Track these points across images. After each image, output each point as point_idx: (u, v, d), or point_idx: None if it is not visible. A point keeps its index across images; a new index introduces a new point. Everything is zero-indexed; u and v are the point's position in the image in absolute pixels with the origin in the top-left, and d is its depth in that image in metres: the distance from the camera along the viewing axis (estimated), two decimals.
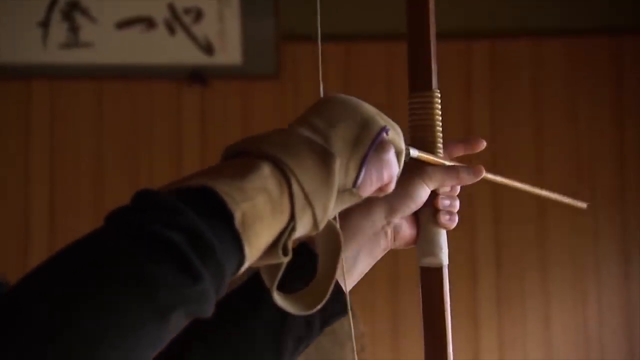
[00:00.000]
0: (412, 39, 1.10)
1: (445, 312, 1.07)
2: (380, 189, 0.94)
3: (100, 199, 3.40)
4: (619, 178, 3.57)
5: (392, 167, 0.94)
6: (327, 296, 0.91)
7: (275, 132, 0.90)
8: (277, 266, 0.87)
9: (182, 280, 0.72)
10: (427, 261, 1.08)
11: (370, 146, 0.91)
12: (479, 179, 1.09)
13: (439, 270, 1.08)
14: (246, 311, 1.06)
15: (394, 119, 0.96)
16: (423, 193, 1.07)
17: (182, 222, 0.75)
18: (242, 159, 0.85)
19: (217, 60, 3.49)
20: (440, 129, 1.10)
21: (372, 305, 3.45)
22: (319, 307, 0.91)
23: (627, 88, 3.61)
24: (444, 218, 1.09)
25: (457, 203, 1.11)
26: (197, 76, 3.48)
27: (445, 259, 1.08)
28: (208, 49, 3.51)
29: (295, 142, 0.88)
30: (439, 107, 1.11)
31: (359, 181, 0.90)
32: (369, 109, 0.94)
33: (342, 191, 0.89)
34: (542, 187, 1.14)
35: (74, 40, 3.48)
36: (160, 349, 0.73)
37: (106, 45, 3.49)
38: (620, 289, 3.55)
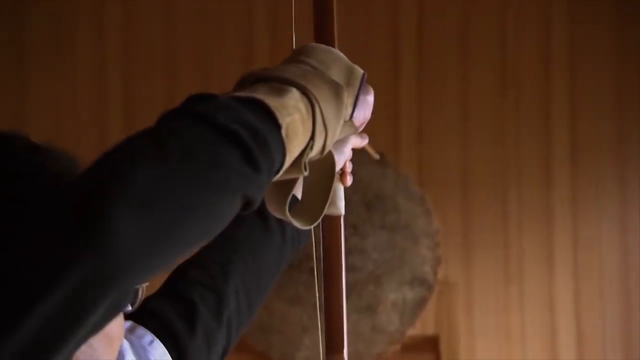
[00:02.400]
0: None
1: (341, 247, 1.23)
2: (360, 126, 1.06)
3: (173, 96, 3.46)
4: None
5: (371, 108, 1.08)
6: (324, 212, 1.04)
7: (287, 65, 0.98)
8: (290, 183, 0.98)
9: (246, 169, 0.81)
10: (329, 211, 1.18)
11: (360, 86, 1.01)
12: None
13: (338, 217, 1.22)
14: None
15: None
16: (349, 151, 1.17)
17: (244, 119, 0.82)
18: (269, 83, 0.92)
19: None
20: None
21: (444, 204, 3.47)
22: (317, 222, 1.04)
23: None
24: (350, 178, 1.21)
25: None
26: None
27: (343, 210, 1.22)
28: None
29: (310, 74, 0.96)
30: None
31: (355, 114, 1.01)
32: (345, 57, 1.04)
33: (344, 122, 0.99)
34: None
35: None
36: (227, 224, 0.82)
37: None
38: None
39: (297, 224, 1.03)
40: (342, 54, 1.03)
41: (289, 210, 1.02)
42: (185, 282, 1.25)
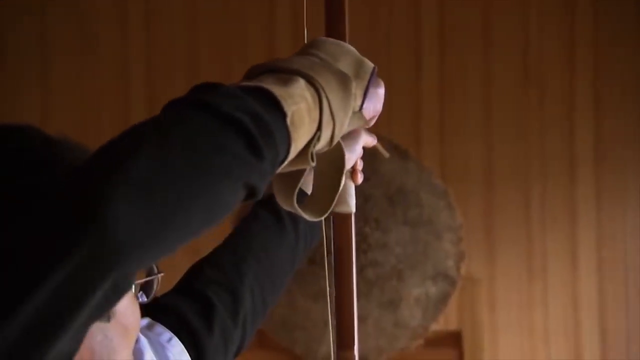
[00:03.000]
0: None
1: (352, 246, 1.24)
2: (371, 119, 1.06)
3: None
4: None
5: (382, 101, 1.07)
6: (334, 205, 1.04)
7: (296, 57, 0.99)
8: (297, 175, 0.99)
9: (249, 157, 0.81)
10: (340, 209, 1.21)
11: (370, 78, 1.01)
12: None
13: (349, 215, 1.23)
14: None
15: None
16: (360, 149, 1.18)
17: (248, 107, 0.82)
18: (276, 74, 0.92)
19: None
20: None
21: (466, 199, 3.46)
22: (326, 214, 1.04)
23: None
24: (360, 176, 1.22)
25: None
26: None
27: (354, 208, 1.22)
28: None
29: (318, 65, 0.96)
30: None
31: (365, 106, 1.01)
32: (356, 51, 1.04)
33: (352, 113, 0.98)
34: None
35: None
36: (228, 215, 0.82)
37: None
38: None
39: (306, 216, 1.03)
40: (352, 48, 1.03)
41: (299, 203, 1.02)
42: (201, 281, 1.25)
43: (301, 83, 0.91)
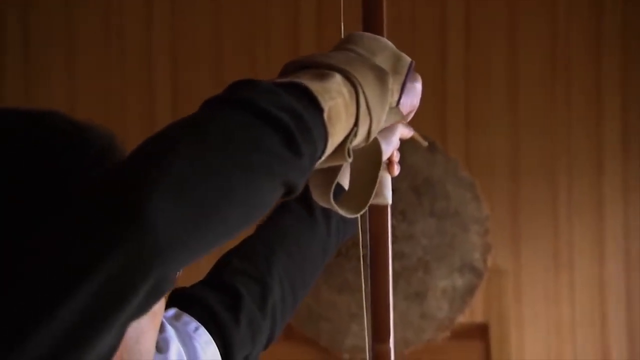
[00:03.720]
0: None
1: (387, 238, 1.24)
2: (408, 114, 1.06)
3: (220, 85, 3.48)
4: None
5: (419, 96, 1.07)
6: (370, 201, 1.04)
7: (332, 52, 0.98)
8: (333, 171, 0.98)
9: (288, 154, 0.80)
10: (376, 200, 1.20)
11: (407, 73, 1.01)
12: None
13: (385, 207, 1.22)
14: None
15: None
16: (396, 141, 1.17)
17: (285, 103, 0.82)
18: (312, 70, 0.92)
19: None
20: None
21: (492, 191, 3.45)
22: (362, 211, 1.04)
23: None
24: (397, 168, 1.22)
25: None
26: None
27: (390, 199, 1.22)
28: None
29: (355, 60, 0.96)
30: None
31: (402, 101, 1.01)
32: (393, 45, 1.03)
33: (389, 108, 0.98)
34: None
35: None
36: (265, 213, 0.82)
37: None
38: None
39: (342, 212, 1.03)
40: (389, 42, 1.03)
41: (335, 199, 1.02)
42: (229, 272, 1.25)
43: (338, 78, 0.90)
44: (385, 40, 1.03)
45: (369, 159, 1.03)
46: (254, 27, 3.48)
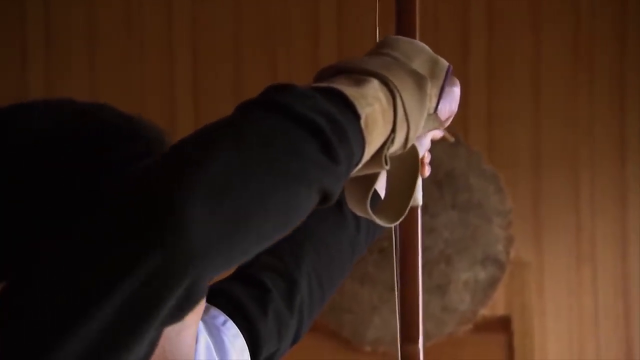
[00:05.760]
0: None
1: (418, 239, 1.21)
2: (446, 120, 1.02)
3: (240, 78, 3.49)
4: None
5: (457, 101, 1.04)
6: (408, 210, 1.01)
7: (368, 57, 0.96)
8: (370, 179, 0.95)
9: (324, 160, 0.79)
10: None
11: (445, 78, 0.98)
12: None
13: (415, 208, 1.19)
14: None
15: None
16: (428, 142, 1.16)
17: (322, 108, 0.80)
18: (348, 75, 0.89)
19: None
20: None
21: (514, 184, 3.43)
22: (400, 220, 1.01)
23: None
24: (428, 169, 1.21)
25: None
26: None
27: (421, 200, 1.19)
28: None
29: (393, 65, 0.93)
30: None
31: (440, 107, 0.97)
32: (430, 49, 1.00)
33: (427, 114, 0.95)
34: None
35: None
36: (304, 218, 0.80)
37: None
38: None
39: (379, 221, 1.00)
40: (426, 46, 1.00)
41: (371, 207, 0.99)
42: (257, 267, 1.25)
43: (374, 84, 0.88)
44: (421, 43, 1.00)
45: (406, 166, 1.00)
46: (275, 20, 3.48)
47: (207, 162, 0.72)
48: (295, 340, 1.27)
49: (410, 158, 0.99)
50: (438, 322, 3.37)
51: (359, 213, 0.99)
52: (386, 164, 0.89)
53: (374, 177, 0.95)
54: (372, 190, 0.96)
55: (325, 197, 0.81)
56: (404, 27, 1.10)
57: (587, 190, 3.43)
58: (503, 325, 3.42)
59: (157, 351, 0.82)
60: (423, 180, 1.21)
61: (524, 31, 3.45)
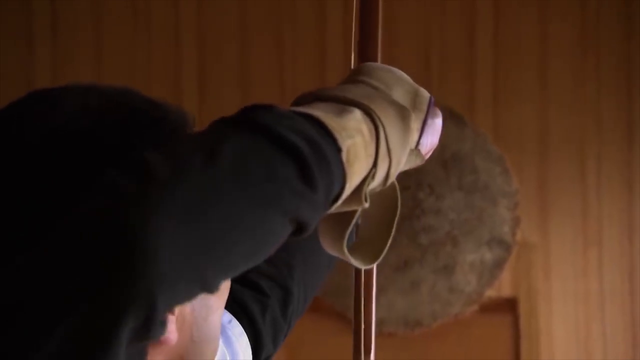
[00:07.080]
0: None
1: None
2: (426, 154, 0.96)
3: (246, 66, 3.49)
4: None
5: (439, 133, 0.97)
6: (385, 252, 0.94)
7: (346, 84, 0.90)
8: (347, 217, 0.88)
9: (302, 187, 0.74)
10: None
11: (427, 110, 0.92)
12: None
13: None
14: None
15: None
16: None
17: (304, 130, 0.76)
18: (327, 103, 0.84)
19: None
20: None
21: (521, 166, 3.42)
22: (378, 262, 0.95)
23: None
24: None
25: None
26: None
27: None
28: None
29: (375, 95, 0.87)
30: None
31: (422, 141, 0.92)
32: (409, 78, 0.95)
33: (410, 150, 0.90)
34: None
35: None
36: (275, 248, 0.76)
37: None
38: None
39: (356, 263, 0.93)
40: (404, 74, 0.93)
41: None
42: (256, 273, 1.25)
43: (357, 114, 0.82)
44: (399, 71, 0.93)
45: (385, 204, 0.94)
46: (281, 5, 3.47)
47: (178, 181, 0.69)
48: (279, 345, 1.28)
49: (389, 195, 0.93)
50: (444, 303, 3.39)
51: (333, 253, 0.92)
52: (366, 201, 0.84)
53: (351, 215, 0.88)
54: (350, 229, 0.89)
55: (300, 228, 0.76)
56: (366, 49, 1.00)
57: (593, 173, 3.41)
58: (509, 306, 3.42)
59: (185, 337, 0.85)
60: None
61: (531, 13, 3.41)
